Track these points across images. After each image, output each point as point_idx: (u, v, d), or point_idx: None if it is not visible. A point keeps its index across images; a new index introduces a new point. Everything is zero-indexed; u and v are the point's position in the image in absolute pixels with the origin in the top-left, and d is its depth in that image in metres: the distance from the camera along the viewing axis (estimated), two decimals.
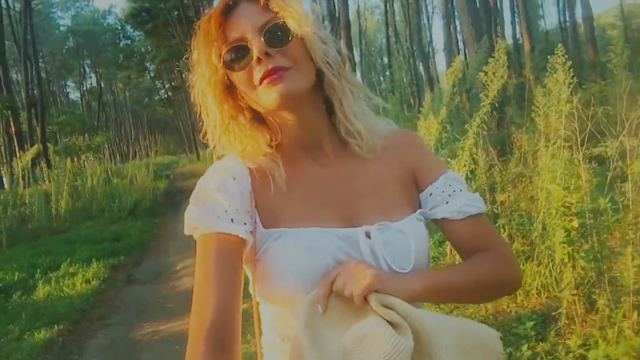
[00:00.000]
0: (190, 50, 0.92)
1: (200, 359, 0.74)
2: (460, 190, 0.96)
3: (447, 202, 0.95)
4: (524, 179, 4.71)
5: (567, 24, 28.69)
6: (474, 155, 4.44)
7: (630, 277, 2.48)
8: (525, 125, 6.21)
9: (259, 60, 0.84)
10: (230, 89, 0.92)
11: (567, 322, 2.72)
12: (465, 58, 11.15)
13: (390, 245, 0.87)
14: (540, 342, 2.72)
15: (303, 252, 0.84)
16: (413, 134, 1.07)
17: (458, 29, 24.64)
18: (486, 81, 3.96)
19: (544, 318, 2.95)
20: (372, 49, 58.24)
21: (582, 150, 3.14)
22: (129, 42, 48.16)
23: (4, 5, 23.93)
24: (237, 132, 0.94)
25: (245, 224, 0.86)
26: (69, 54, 50.97)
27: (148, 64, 45.41)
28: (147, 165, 17.91)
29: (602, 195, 2.98)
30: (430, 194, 0.96)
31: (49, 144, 20.42)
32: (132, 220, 10.58)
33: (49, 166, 14.77)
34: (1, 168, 15.64)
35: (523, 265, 3.29)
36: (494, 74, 3.93)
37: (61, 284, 5.88)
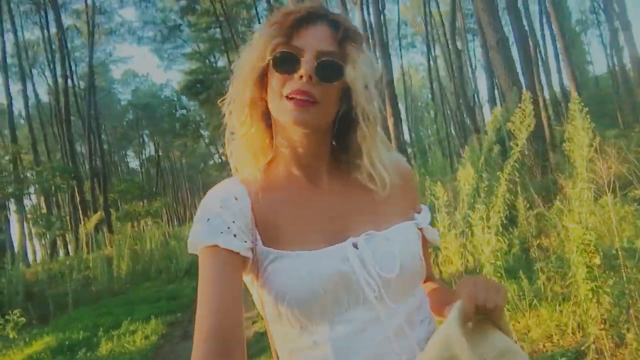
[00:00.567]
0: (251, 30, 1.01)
1: None
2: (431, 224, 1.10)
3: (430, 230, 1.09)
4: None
5: (617, 68, 28.38)
6: (512, 202, 4.55)
7: None
8: (568, 170, 6.26)
9: (300, 77, 0.88)
10: (262, 81, 0.95)
11: (596, 356, 2.76)
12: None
13: (377, 253, 0.91)
14: None
15: (294, 279, 0.87)
16: (411, 170, 1.14)
17: None
18: (514, 130, 4.14)
19: (577, 355, 2.98)
20: (420, 103, 58.81)
21: (610, 191, 3.25)
22: (184, 111, 50.52)
23: (69, 84, 25.98)
24: (247, 123, 0.98)
25: (246, 241, 0.89)
26: (129, 125, 53.42)
27: (202, 131, 47.40)
28: None
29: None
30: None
31: (111, 211, 21.46)
32: (188, 280, 10.96)
33: (110, 232, 15.60)
34: (67, 235, 16.54)
35: (560, 305, 3.35)
36: (521, 122, 4.11)
37: (122, 340, 6.22)
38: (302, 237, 0.92)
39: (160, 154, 55.15)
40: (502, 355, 0.83)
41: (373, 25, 19.27)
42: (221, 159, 49.35)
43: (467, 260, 5.37)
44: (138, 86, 57.83)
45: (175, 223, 47.57)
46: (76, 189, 22.62)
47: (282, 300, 0.87)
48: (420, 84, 62.75)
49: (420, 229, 1.05)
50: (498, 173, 4.35)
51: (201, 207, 0.94)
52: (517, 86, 8.66)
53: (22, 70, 28.90)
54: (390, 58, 18.71)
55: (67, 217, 25.26)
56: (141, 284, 11.43)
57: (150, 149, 59.08)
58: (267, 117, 0.99)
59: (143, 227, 20.29)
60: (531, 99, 4.15)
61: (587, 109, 3.15)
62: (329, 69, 0.89)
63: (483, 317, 0.86)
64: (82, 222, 15.78)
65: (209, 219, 0.90)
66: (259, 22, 33.97)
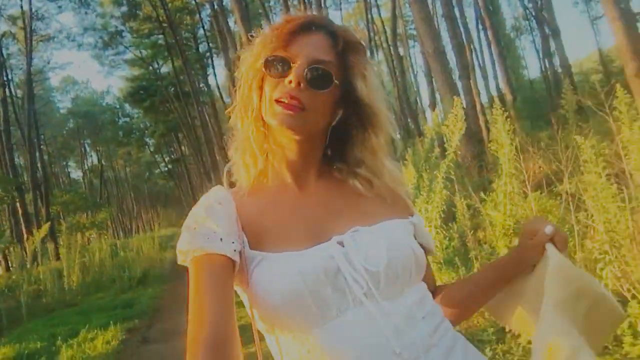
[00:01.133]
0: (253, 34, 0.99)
1: None
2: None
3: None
4: None
5: (549, 72, 29.93)
6: (451, 200, 5.03)
7: None
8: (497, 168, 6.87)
9: (290, 82, 0.89)
10: (262, 86, 0.96)
11: None
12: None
13: (362, 247, 0.90)
14: (499, 344, 3.23)
15: (279, 278, 0.86)
16: (402, 175, 1.14)
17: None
18: (448, 133, 4.62)
19: (503, 327, 3.42)
20: None
21: (530, 184, 3.78)
22: (127, 119, 49.58)
23: (7, 93, 25.12)
24: (247, 127, 0.99)
25: (233, 242, 0.88)
26: (70, 135, 51.78)
27: (147, 139, 46.58)
28: (152, 237, 18.50)
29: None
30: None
31: (54, 223, 20.89)
32: (142, 289, 10.99)
33: (56, 244, 15.29)
34: (11, 248, 16.07)
35: None
36: (454, 126, 4.58)
37: (83, 347, 6.29)
38: (287, 239, 0.92)
39: (103, 163, 53.78)
40: (591, 283, 0.91)
41: None
42: (167, 167, 48.74)
43: None
44: (78, 94, 56.21)
45: (122, 235, 46.48)
46: (17, 201, 21.92)
47: (269, 302, 0.85)
48: None
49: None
50: (435, 172, 4.81)
51: (188, 217, 0.95)
52: (454, 91, 9.25)
53: None
54: None
55: (8, 230, 24.34)
56: (93, 294, 11.34)
57: (92, 159, 57.64)
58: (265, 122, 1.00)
59: (88, 239, 19.93)
60: (471, 105, 4.63)
61: (507, 113, 3.64)
62: (319, 77, 0.90)
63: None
64: (26, 237, 15.39)
65: (195, 228, 0.91)
66: (203, 28, 33.83)
